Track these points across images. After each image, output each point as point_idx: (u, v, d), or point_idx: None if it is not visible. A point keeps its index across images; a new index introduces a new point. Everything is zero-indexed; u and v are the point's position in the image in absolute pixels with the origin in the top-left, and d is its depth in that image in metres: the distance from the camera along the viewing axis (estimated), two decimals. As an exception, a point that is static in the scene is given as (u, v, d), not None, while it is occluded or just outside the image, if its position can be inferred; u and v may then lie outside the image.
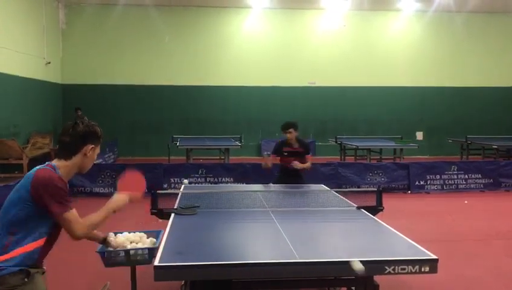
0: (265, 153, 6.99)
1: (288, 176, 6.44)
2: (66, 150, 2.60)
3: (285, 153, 6.59)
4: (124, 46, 16.14)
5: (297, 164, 6.39)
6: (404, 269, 2.78)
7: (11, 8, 12.03)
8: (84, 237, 2.57)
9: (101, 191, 9.45)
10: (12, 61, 11.89)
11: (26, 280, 2.41)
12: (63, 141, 2.61)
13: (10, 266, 2.38)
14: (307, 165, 6.52)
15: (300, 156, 6.52)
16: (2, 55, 11.17)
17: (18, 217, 2.41)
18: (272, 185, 6.10)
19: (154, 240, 3.37)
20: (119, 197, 2.78)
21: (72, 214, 2.47)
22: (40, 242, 2.48)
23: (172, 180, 9.74)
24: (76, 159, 2.60)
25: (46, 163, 2.59)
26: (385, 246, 3.36)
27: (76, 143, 2.59)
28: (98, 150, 2.72)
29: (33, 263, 2.47)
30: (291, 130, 6.56)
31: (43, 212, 2.43)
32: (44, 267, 2.64)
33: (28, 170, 2.59)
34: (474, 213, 8.36)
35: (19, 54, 12.29)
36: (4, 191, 6.67)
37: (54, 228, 2.54)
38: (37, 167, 2.53)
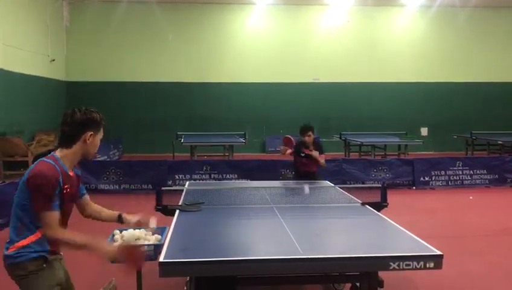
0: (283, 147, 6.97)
1: (302, 178, 6.48)
2: (66, 139, 2.64)
3: (302, 155, 6.68)
4: (128, 43, 16.14)
5: (313, 152, 6.54)
6: (408, 265, 2.79)
7: (16, 6, 12.05)
8: (52, 241, 2.52)
9: (106, 188, 9.47)
10: (17, 58, 11.93)
11: (44, 265, 2.53)
12: (63, 130, 2.64)
13: (29, 252, 2.49)
14: (322, 160, 6.65)
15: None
16: (6, 53, 11.20)
17: (25, 207, 2.50)
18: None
19: (160, 236, 3.39)
20: (108, 251, 2.64)
21: (50, 215, 2.47)
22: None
23: (177, 176, 9.76)
24: (77, 147, 2.63)
25: (51, 154, 2.64)
26: (390, 242, 3.37)
27: (75, 131, 2.62)
28: (100, 136, 2.72)
29: (50, 248, 2.56)
30: (310, 133, 6.68)
31: None
32: (62, 253, 2.73)
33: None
34: (479, 209, 8.33)
35: (23, 51, 12.32)
36: (10, 188, 6.72)
37: (62, 216, 2.60)
38: (41, 159, 2.59)
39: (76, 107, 2.69)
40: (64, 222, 2.68)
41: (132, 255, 2.62)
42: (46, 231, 2.49)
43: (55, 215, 2.50)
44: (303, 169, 6.73)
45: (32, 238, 2.50)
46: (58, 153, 2.63)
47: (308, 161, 6.65)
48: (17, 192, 2.54)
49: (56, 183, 2.50)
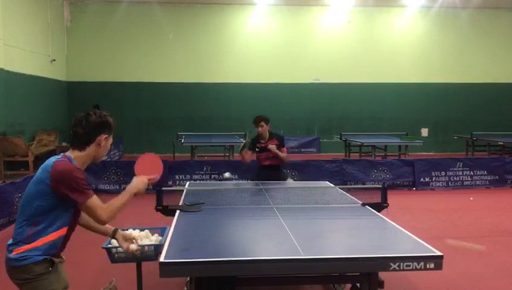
0: (242, 140, 6.71)
1: (267, 171, 6.34)
2: (80, 141, 2.63)
3: (257, 149, 6.49)
4: (129, 43, 16.15)
5: (272, 147, 6.29)
6: (409, 265, 2.79)
7: (16, 6, 12.06)
8: (109, 220, 2.63)
9: (106, 188, 9.47)
10: (18, 58, 11.93)
11: (50, 269, 2.50)
12: (76, 132, 2.63)
13: (35, 255, 2.46)
14: (284, 154, 6.39)
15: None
16: (7, 53, 11.20)
17: (41, 209, 2.47)
18: (250, 182, 6.05)
19: (160, 237, 3.39)
20: (139, 180, 2.83)
21: (94, 200, 2.54)
22: (63, 231, 2.56)
23: (177, 177, 9.76)
24: (91, 149, 2.64)
25: (62, 154, 2.62)
26: (390, 243, 3.37)
27: (90, 133, 2.62)
28: (111, 140, 2.75)
29: (56, 251, 2.55)
30: (262, 123, 6.45)
31: (65, 203, 2.50)
32: (64, 257, 2.72)
33: (34, 167, 2.64)
34: (479, 210, 8.33)
35: (24, 51, 12.33)
36: (10, 188, 6.72)
37: (74, 217, 2.63)
38: (54, 159, 2.56)
39: (90, 110, 2.71)
40: (75, 222, 2.67)
41: (151, 163, 3.01)
42: (101, 215, 2.54)
43: (95, 197, 2.56)
44: (263, 163, 6.47)
45: (41, 241, 2.47)
46: (70, 153, 2.62)
47: (266, 155, 6.42)
48: (34, 194, 2.49)
49: (83, 173, 2.55)
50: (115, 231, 3.06)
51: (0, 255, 2.59)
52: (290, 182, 6.05)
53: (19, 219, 2.50)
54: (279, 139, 6.54)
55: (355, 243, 3.33)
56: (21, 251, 2.45)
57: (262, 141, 6.52)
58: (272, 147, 6.31)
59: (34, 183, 2.53)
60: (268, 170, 6.39)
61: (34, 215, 2.47)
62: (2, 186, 6.80)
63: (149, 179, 2.88)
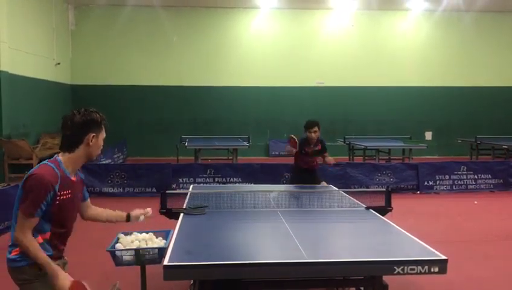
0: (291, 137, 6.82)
1: (304, 175, 6.42)
2: (68, 143, 2.59)
3: (303, 152, 6.56)
4: (133, 46, 16.20)
5: (331, 161, 6.71)
6: (413, 269, 2.77)
7: (21, 9, 12.12)
8: (18, 242, 2.44)
9: (110, 191, 9.49)
10: (23, 62, 11.98)
11: (39, 272, 2.46)
12: (64, 134, 2.60)
13: (26, 258, 2.45)
14: (332, 160, 6.79)
15: (319, 155, 6.63)
16: (12, 56, 11.25)
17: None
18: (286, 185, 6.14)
19: (164, 240, 3.39)
20: (61, 280, 2.46)
21: (24, 219, 2.41)
22: (46, 235, 2.52)
23: (180, 180, 9.77)
24: (80, 150, 2.59)
25: (54, 156, 2.61)
26: (394, 247, 3.36)
27: (77, 134, 2.57)
28: (102, 136, 2.68)
29: (49, 254, 2.51)
30: (315, 128, 6.54)
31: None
32: (66, 258, 2.70)
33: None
34: (484, 214, 8.30)
35: (29, 54, 12.39)
36: (15, 190, 6.74)
37: (55, 224, 2.54)
38: (43, 162, 2.57)
39: (75, 108, 2.63)
40: (67, 231, 2.65)
41: None
42: (16, 232, 2.42)
43: (33, 221, 2.43)
44: (303, 166, 6.60)
45: (38, 240, 2.47)
46: (60, 156, 2.59)
47: (308, 160, 6.54)
48: (17, 195, 2.51)
49: (49, 189, 2.44)
50: (128, 215, 3.10)
51: (3, 256, 2.60)
52: (323, 185, 6.15)
53: (13, 221, 2.50)
54: (322, 144, 6.72)
55: (359, 246, 3.32)
56: (18, 251, 2.46)
57: (310, 146, 6.59)
58: (331, 161, 6.73)
59: (20, 184, 2.54)
60: (306, 173, 6.44)
61: (16, 217, 2.46)
62: (6, 189, 6.84)
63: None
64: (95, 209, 2.98)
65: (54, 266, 2.47)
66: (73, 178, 2.63)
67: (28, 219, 2.41)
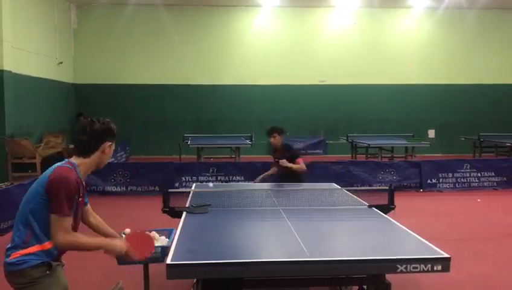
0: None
1: (285, 180, 6.26)
2: (84, 148, 2.63)
3: (276, 160, 6.45)
4: (135, 45, 16.21)
5: (284, 162, 6.24)
6: (416, 267, 2.77)
7: (24, 9, 12.14)
8: (62, 249, 2.53)
9: (113, 190, 9.50)
10: (25, 61, 12.01)
11: (48, 272, 2.47)
12: (81, 139, 2.63)
13: (32, 259, 2.44)
14: (297, 166, 6.27)
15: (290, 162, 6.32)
16: (15, 55, 11.27)
17: (34, 211, 2.45)
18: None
19: (167, 239, 3.40)
20: (119, 245, 2.72)
21: (64, 220, 2.45)
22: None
23: (183, 178, 9.77)
24: (95, 156, 2.65)
25: (66, 160, 2.62)
26: (397, 245, 3.35)
27: (94, 141, 2.62)
28: (113, 146, 2.75)
29: (54, 257, 2.53)
30: (274, 134, 6.37)
31: None
32: (63, 261, 2.70)
33: (41, 169, 2.64)
34: (487, 212, 8.28)
35: (31, 54, 12.42)
36: (18, 189, 6.76)
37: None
38: (58, 164, 2.57)
39: (94, 117, 2.70)
40: (75, 230, 2.66)
41: (140, 241, 2.85)
42: (60, 236, 2.44)
43: (70, 221, 2.49)
44: (282, 172, 6.45)
45: (39, 248, 2.45)
46: (75, 160, 2.62)
47: (281, 169, 6.36)
48: (30, 197, 2.48)
49: (77, 188, 2.50)
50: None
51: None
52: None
53: (18, 224, 2.48)
54: (290, 150, 6.48)
55: (361, 245, 3.33)
56: (18, 255, 2.43)
57: (275, 153, 6.47)
58: (283, 162, 6.26)
59: (34, 185, 2.53)
60: (287, 179, 6.29)
61: (28, 218, 2.45)
62: (9, 188, 6.85)
63: (128, 252, 2.74)
64: (95, 219, 2.97)
65: (106, 241, 2.74)
66: (83, 182, 2.67)
67: (66, 219, 2.46)
